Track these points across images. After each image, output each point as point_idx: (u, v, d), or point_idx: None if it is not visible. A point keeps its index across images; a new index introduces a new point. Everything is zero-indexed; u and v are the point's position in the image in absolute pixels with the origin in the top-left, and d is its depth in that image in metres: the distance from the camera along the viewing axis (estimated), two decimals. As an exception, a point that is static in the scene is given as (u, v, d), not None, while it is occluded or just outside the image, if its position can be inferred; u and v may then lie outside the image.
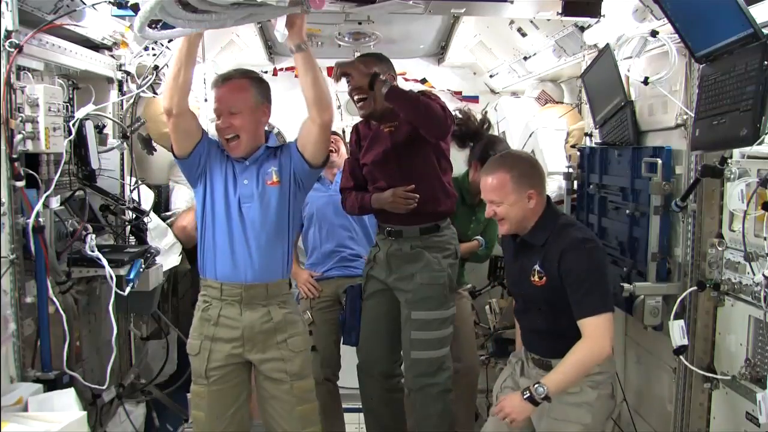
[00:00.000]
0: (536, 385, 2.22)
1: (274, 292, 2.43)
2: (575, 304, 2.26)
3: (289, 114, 4.93)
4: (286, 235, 2.46)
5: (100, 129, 2.93)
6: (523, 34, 3.84)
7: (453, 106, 4.96)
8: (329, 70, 4.95)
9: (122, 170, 3.19)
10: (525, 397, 2.23)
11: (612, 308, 2.27)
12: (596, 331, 2.22)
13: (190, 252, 3.66)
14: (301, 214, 2.83)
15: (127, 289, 2.66)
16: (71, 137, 2.53)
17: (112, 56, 3.04)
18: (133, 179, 3.15)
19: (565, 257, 2.27)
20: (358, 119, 3.14)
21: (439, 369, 2.92)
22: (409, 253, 2.89)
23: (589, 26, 3.13)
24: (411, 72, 4.97)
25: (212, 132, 3.72)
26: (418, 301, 2.87)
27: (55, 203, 2.35)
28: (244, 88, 2.44)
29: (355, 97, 2.85)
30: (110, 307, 2.56)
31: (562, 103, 4.24)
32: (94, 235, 2.53)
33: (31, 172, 2.30)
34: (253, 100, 2.44)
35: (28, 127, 2.23)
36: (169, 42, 3.14)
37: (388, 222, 2.92)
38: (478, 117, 3.64)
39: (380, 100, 2.73)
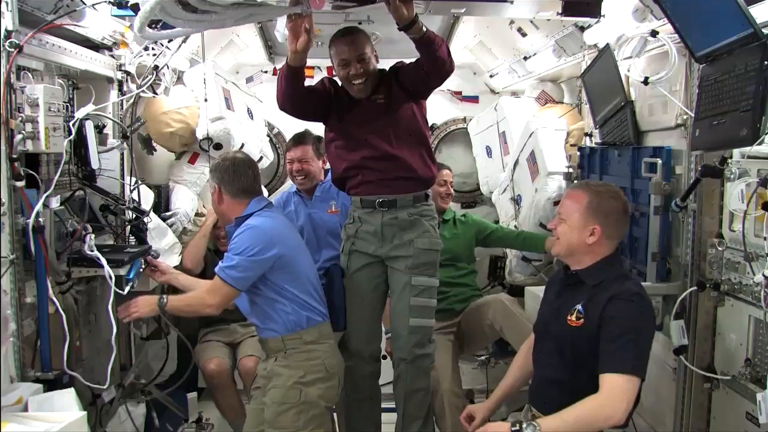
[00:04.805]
0: (527, 423, 2.02)
1: (277, 347, 2.77)
2: (604, 354, 2.05)
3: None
4: (262, 310, 2.76)
5: (100, 129, 2.93)
6: (523, 34, 3.84)
7: (453, 106, 5.04)
8: (329, 70, 5.01)
9: (122, 170, 3.18)
10: (513, 429, 2.03)
11: (641, 376, 2.04)
12: (614, 392, 1.99)
13: None
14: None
15: (127, 289, 2.65)
16: (71, 137, 2.52)
17: (112, 56, 3.03)
18: (133, 179, 3.14)
19: (612, 303, 2.09)
20: None
21: (429, 340, 2.97)
22: (407, 221, 2.89)
23: (589, 26, 3.13)
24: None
25: (212, 132, 3.77)
26: (420, 266, 2.89)
27: (55, 203, 2.34)
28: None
29: (356, 82, 2.85)
30: (110, 307, 2.56)
31: (562, 103, 4.25)
32: (93, 235, 2.52)
33: (31, 172, 2.28)
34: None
35: (28, 127, 2.22)
36: (169, 42, 3.14)
37: (379, 193, 2.91)
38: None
39: (372, 77, 2.85)
